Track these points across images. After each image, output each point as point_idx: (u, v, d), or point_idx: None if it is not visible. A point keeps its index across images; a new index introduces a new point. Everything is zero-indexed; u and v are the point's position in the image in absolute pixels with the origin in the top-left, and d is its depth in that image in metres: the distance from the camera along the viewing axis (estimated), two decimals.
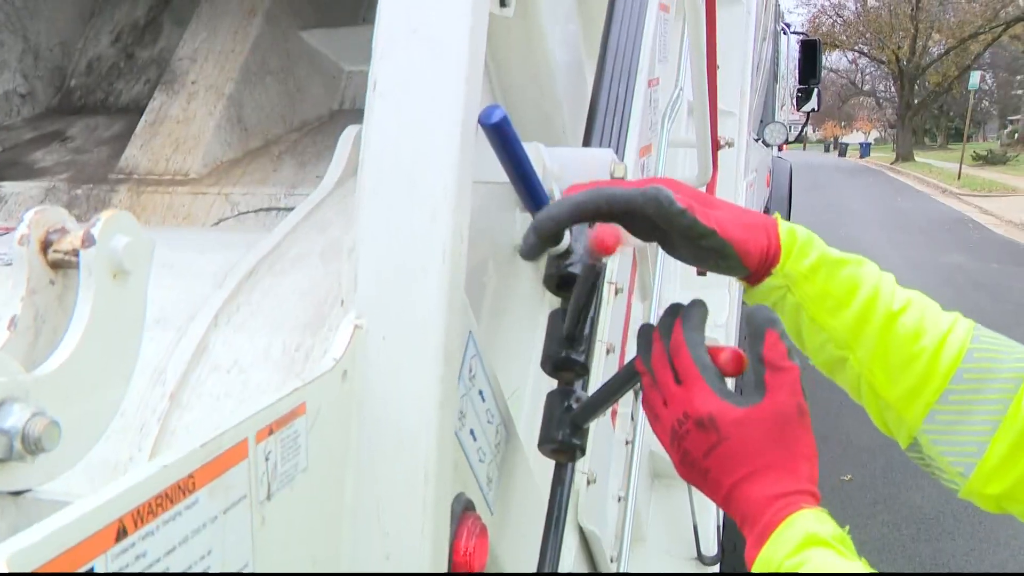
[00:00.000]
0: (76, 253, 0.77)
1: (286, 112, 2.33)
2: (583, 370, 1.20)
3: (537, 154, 1.17)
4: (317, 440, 0.92)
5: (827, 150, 68.11)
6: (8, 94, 2.35)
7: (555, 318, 1.22)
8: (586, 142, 1.45)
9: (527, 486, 1.34)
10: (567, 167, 1.27)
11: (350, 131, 1.58)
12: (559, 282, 1.23)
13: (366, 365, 0.99)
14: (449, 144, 1.02)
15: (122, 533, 0.67)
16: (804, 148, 58.00)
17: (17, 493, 0.71)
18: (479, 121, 1.04)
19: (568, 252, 1.21)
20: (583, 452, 1.21)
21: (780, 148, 9.87)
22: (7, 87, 2.33)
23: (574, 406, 1.19)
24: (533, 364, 1.71)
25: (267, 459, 0.84)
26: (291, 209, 1.97)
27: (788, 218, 9.42)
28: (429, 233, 1.00)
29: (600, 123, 1.45)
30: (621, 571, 1.86)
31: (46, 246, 0.78)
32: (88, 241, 0.76)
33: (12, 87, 2.34)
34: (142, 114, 2.22)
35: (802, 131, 12.92)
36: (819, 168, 37.79)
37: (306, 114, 2.38)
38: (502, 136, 1.05)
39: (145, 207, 2.00)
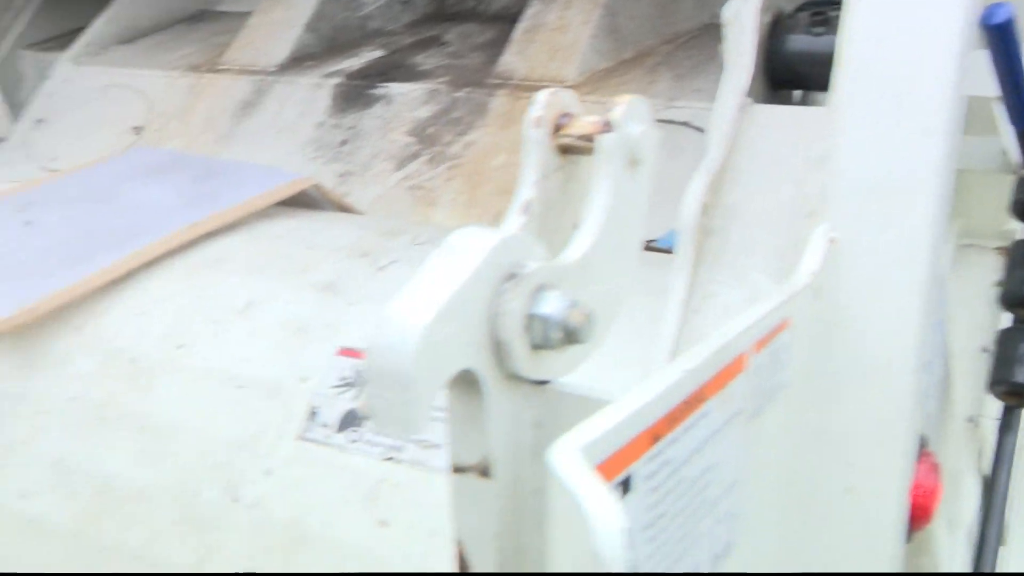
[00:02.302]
0: (588, 139, 0.73)
1: (659, 23, 2.26)
2: None
3: None
4: (794, 358, 0.85)
5: None
6: (390, 2, 2.39)
7: (1020, 248, 1.09)
8: None
9: (954, 428, 1.23)
10: None
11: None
12: None
13: (840, 282, 0.91)
14: (947, 49, 0.91)
15: (655, 438, 0.62)
16: None
17: (541, 383, 0.67)
18: (981, 22, 0.92)
19: None
20: None
21: None
22: None
23: None
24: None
25: (758, 374, 0.78)
26: (669, 122, 1.90)
27: None
28: (920, 147, 0.90)
29: None
30: None
31: (556, 130, 0.74)
32: (607, 127, 0.71)
33: None
34: (512, 22, 2.20)
35: None
36: None
37: (678, 26, 2.29)
38: (1006, 40, 0.92)
39: (523, 111, 1.98)
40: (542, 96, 0.74)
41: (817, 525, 0.92)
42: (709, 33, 2.29)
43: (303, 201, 1.74)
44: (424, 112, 2.02)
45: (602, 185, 0.72)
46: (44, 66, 2.36)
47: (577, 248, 0.70)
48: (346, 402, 1.34)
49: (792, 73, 1.47)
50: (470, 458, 0.66)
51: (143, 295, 1.59)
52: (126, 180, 1.83)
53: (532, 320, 0.64)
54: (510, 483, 0.67)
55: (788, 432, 0.87)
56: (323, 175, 1.98)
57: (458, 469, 0.67)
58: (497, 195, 1.85)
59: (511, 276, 0.64)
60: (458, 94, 2.06)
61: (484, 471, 0.66)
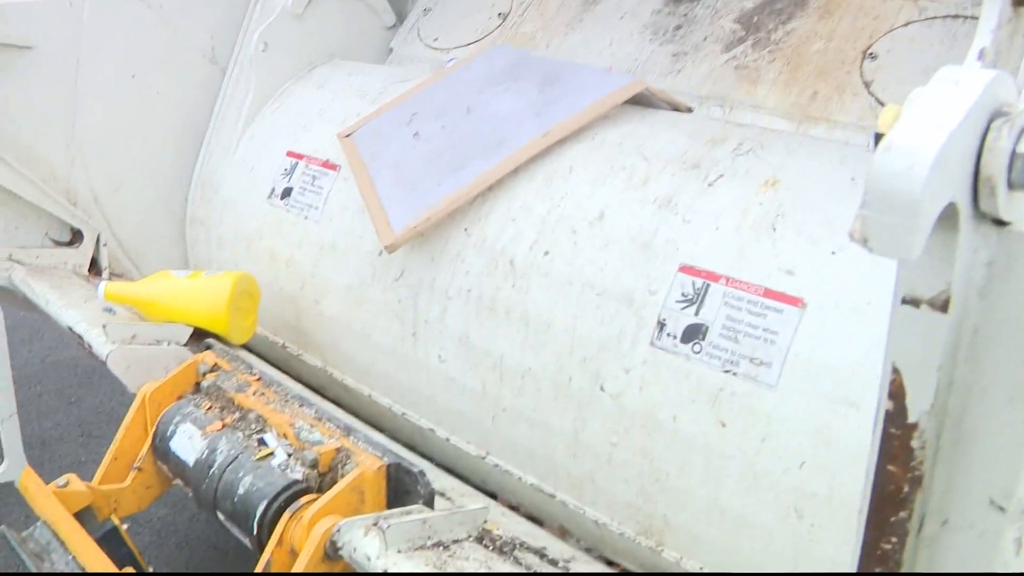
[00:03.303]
0: None
1: None
2: None
3: None
4: None
5: None
6: None
7: None
8: None
9: None
10: None
11: None
12: None
13: None
14: None
15: None
16: None
17: (1001, 223, 0.64)
18: None
19: None
20: None
21: None
22: None
23: None
24: None
25: None
26: (975, 18, 1.78)
27: None
28: None
29: None
30: None
31: None
32: None
33: None
34: None
35: None
36: None
37: None
38: None
39: (839, 5, 1.90)
40: None
41: None
42: None
43: (635, 98, 1.74)
44: (749, 3, 1.98)
45: None
46: None
47: None
48: (688, 317, 1.40)
49: None
50: (928, 291, 0.63)
51: (512, 202, 1.69)
52: (484, 88, 1.89)
53: (1018, 159, 0.61)
54: (958, 319, 0.65)
55: None
56: (658, 55, 1.99)
57: (911, 301, 0.64)
58: (815, 76, 1.80)
59: (999, 115, 0.61)
60: None
61: (941, 305, 0.63)
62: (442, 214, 1.69)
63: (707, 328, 1.36)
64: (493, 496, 1.73)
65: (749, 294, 1.34)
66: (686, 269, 1.42)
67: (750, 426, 1.30)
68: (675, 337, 1.39)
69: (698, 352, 1.36)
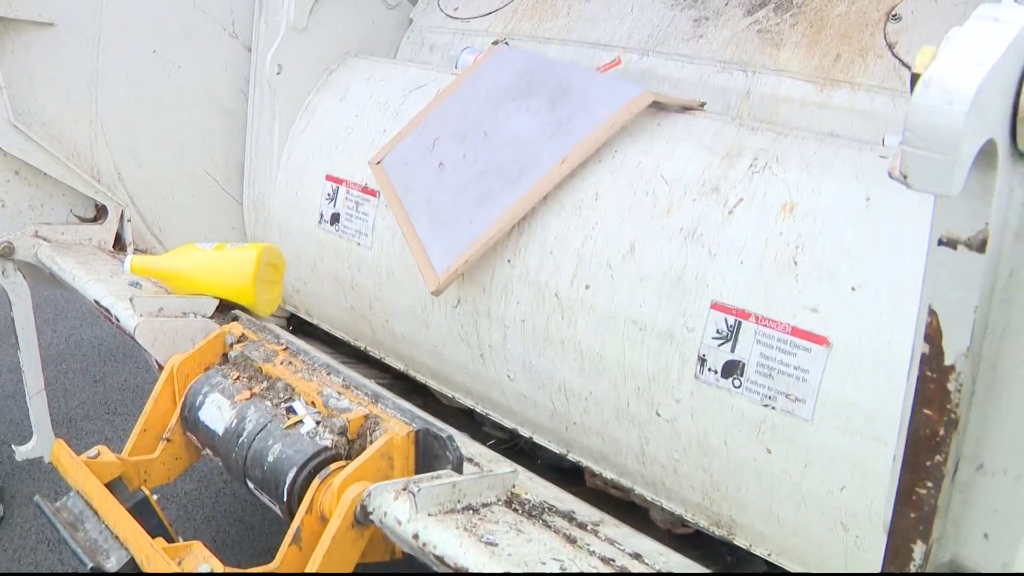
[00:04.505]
0: None
1: None
2: None
3: None
4: None
5: None
6: None
7: None
8: None
9: None
10: None
11: None
12: None
13: None
14: None
15: None
16: None
17: None
18: None
19: None
20: None
21: None
22: None
23: None
24: None
25: None
26: None
27: None
28: None
29: None
30: None
31: None
32: None
33: None
34: None
35: None
36: None
37: None
38: None
39: None
40: None
41: None
42: None
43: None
44: None
45: None
46: None
47: None
48: (725, 353, 1.45)
49: None
50: (965, 231, 0.63)
51: (546, 232, 1.72)
52: (498, 105, 1.88)
53: None
54: (994, 260, 0.65)
55: None
56: (679, 20, 1.98)
57: (948, 243, 0.64)
58: (838, 39, 1.79)
59: None
60: None
61: (979, 245, 0.63)
62: (478, 255, 1.74)
63: (744, 365, 1.42)
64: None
65: (779, 332, 1.39)
66: (718, 306, 1.46)
67: (792, 454, 1.37)
68: (716, 372, 1.45)
69: (738, 387, 1.42)
